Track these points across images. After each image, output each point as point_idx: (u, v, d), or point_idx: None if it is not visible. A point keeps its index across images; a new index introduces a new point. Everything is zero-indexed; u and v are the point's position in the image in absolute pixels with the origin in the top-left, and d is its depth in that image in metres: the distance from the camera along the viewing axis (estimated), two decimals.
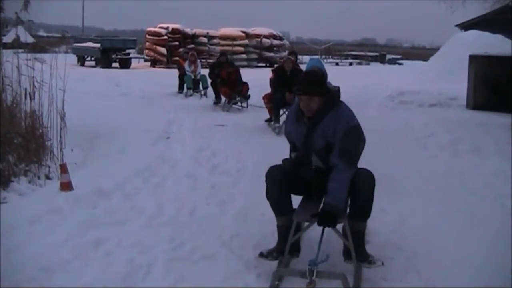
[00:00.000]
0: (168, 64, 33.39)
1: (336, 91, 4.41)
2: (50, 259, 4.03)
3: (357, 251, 3.88)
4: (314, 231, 3.99)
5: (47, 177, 7.53)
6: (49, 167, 7.74)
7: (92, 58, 33.75)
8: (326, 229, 3.79)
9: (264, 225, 4.72)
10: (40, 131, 8.27)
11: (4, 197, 6.51)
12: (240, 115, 12.58)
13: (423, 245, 4.50)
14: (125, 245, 4.38)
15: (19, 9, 9.08)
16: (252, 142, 9.07)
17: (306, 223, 4.05)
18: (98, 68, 31.10)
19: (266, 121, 10.79)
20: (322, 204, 3.91)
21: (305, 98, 3.98)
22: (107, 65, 31.87)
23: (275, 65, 14.89)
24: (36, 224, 4.71)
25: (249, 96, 13.25)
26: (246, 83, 13.41)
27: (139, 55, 38.46)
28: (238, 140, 9.18)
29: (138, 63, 36.61)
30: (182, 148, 8.25)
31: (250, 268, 3.98)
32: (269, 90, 11.29)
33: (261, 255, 4.05)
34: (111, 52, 32.97)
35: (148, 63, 36.46)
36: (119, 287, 3.68)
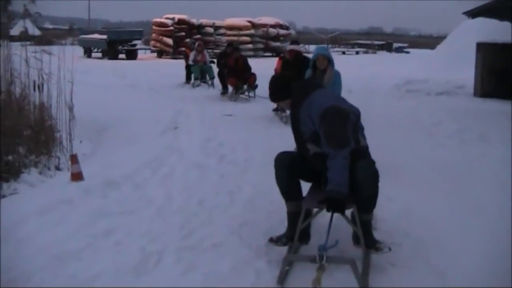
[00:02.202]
0: (175, 55, 33.52)
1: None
2: (62, 248, 4.09)
3: (365, 237, 3.92)
4: (323, 218, 3.98)
5: (57, 168, 7.64)
6: (58, 158, 7.84)
7: (99, 50, 33.86)
8: (335, 215, 3.79)
9: (273, 213, 4.76)
10: (49, 123, 8.36)
11: (15, 188, 6.61)
12: (247, 105, 12.62)
13: (430, 231, 4.53)
14: (135, 234, 4.43)
15: (25, 2, 9.18)
16: (260, 132, 9.10)
17: (316, 210, 4.05)
18: (105, 59, 31.18)
19: (273, 110, 10.82)
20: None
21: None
22: (114, 57, 32.00)
23: (281, 54, 14.96)
24: (47, 214, 4.75)
25: (256, 86, 13.29)
26: (253, 74, 13.46)
27: (145, 46, 38.52)
28: (245, 130, 9.20)
29: (144, 54, 36.67)
30: (190, 138, 8.27)
31: (260, 255, 4.02)
32: None
33: (271, 240, 4.11)
34: (118, 43, 33.10)
35: (155, 54, 36.56)
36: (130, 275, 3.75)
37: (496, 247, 4.27)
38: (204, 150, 7.57)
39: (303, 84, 4.27)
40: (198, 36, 33.81)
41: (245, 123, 10.00)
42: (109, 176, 5.91)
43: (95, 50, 34.21)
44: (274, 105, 10.91)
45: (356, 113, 4.07)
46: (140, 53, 35.69)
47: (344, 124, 3.86)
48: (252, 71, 13.70)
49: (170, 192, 5.59)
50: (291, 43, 12.45)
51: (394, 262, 3.90)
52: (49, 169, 7.58)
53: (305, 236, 4.18)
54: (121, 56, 33.21)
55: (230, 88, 13.93)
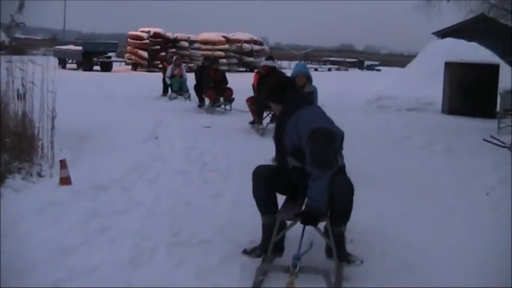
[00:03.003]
0: (149, 68, 33.75)
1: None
2: (60, 244, 4.37)
3: (338, 250, 3.97)
4: (298, 231, 4.00)
5: (39, 175, 7.81)
6: (41, 165, 8.01)
7: (74, 61, 33.83)
8: (309, 227, 3.90)
9: (255, 215, 4.94)
10: (31, 131, 8.52)
11: (0, 193, 6.79)
12: (224, 117, 12.92)
13: (400, 232, 4.92)
14: (128, 232, 4.72)
15: (12, 12, 9.31)
16: (238, 142, 9.42)
17: (289, 222, 4.11)
18: (79, 71, 31.16)
19: (250, 123, 11.13)
20: (304, 205, 4.00)
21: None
22: (89, 68, 32.00)
23: (255, 70, 15.34)
24: (42, 214, 5.02)
25: (233, 99, 13.62)
26: (230, 88, 13.80)
27: (118, 59, 38.57)
28: (224, 140, 9.50)
29: (119, 67, 36.74)
30: (171, 147, 8.53)
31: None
32: (251, 94, 11.72)
33: (245, 252, 4.21)
34: (93, 55, 33.12)
35: (129, 67, 36.67)
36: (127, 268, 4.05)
37: (459, 244, 4.68)
38: (186, 158, 7.86)
39: (296, 97, 4.28)
40: (173, 50, 34.10)
41: (223, 134, 10.29)
42: (97, 181, 6.17)
43: (70, 61, 34.16)
44: (250, 118, 11.26)
45: (341, 135, 4.17)
46: (115, 65, 35.76)
47: (330, 147, 3.98)
48: (228, 85, 14.05)
49: (157, 195, 5.89)
50: (266, 59, 12.86)
51: (368, 257, 4.22)
52: (31, 175, 7.75)
53: (279, 248, 4.24)
54: (96, 67, 33.23)
55: (207, 101, 14.24)
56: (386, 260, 4.29)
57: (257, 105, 10.75)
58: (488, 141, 8.96)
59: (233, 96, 13.59)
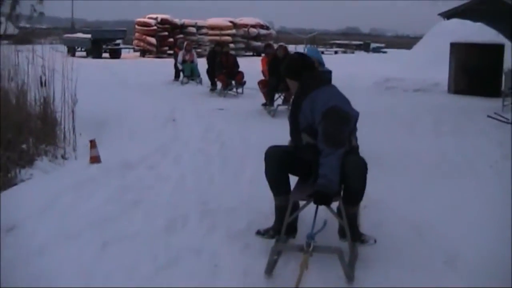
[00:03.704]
0: (158, 54, 34.11)
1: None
2: (100, 214, 4.81)
3: (351, 230, 3.97)
4: (311, 213, 3.99)
5: (63, 157, 8.22)
6: (64, 148, 8.42)
7: (83, 49, 34.19)
8: (322, 208, 3.91)
9: None
10: (53, 116, 8.92)
11: (31, 174, 7.20)
12: (236, 100, 13.33)
13: (409, 202, 5.28)
14: (159, 204, 5.16)
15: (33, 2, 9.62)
16: (252, 123, 9.85)
17: (303, 203, 4.11)
18: (89, 58, 31.52)
19: (262, 105, 11.50)
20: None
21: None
22: (98, 56, 32.35)
23: (262, 55, 15.70)
24: (79, 190, 5.47)
25: (244, 82, 14.02)
26: (241, 72, 14.19)
27: (126, 46, 38.86)
28: (239, 122, 9.95)
29: (128, 53, 37.08)
30: (189, 129, 8.97)
31: (267, 219, 4.56)
32: (261, 77, 12.17)
33: (258, 232, 4.25)
34: (102, 42, 33.47)
35: (137, 53, 36.99)
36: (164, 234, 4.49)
37: (459, 212, 5.04)
38: (204, 138, 8.29)
39: (314, 76, 4.27)
40: (181, 35, 34.40)
41: (237, 116, 10.70)
42: (124, 160, 6.61)
43: (79, 49, 34.51)
44: (261, 101, 11.63)
45: (356, 117, 4.17)
46: (123, 52, 36.07)
47: (343, 126, 3.98)
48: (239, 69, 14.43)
49: (182, 172, 6.33)
50: (265, 47, 13.24)
51: (380, 223, 4.64)
52: (56, 158, 8.16)
53: (292, 230, 4.26)
54: (105, 55, 33.58)
55: (219, 85, 14.62)
56: (396, 223, 4.69)
57: (269, 87, 11.14)
58: (492, 117, 9.31)
59: (244, 79, 13.98)
